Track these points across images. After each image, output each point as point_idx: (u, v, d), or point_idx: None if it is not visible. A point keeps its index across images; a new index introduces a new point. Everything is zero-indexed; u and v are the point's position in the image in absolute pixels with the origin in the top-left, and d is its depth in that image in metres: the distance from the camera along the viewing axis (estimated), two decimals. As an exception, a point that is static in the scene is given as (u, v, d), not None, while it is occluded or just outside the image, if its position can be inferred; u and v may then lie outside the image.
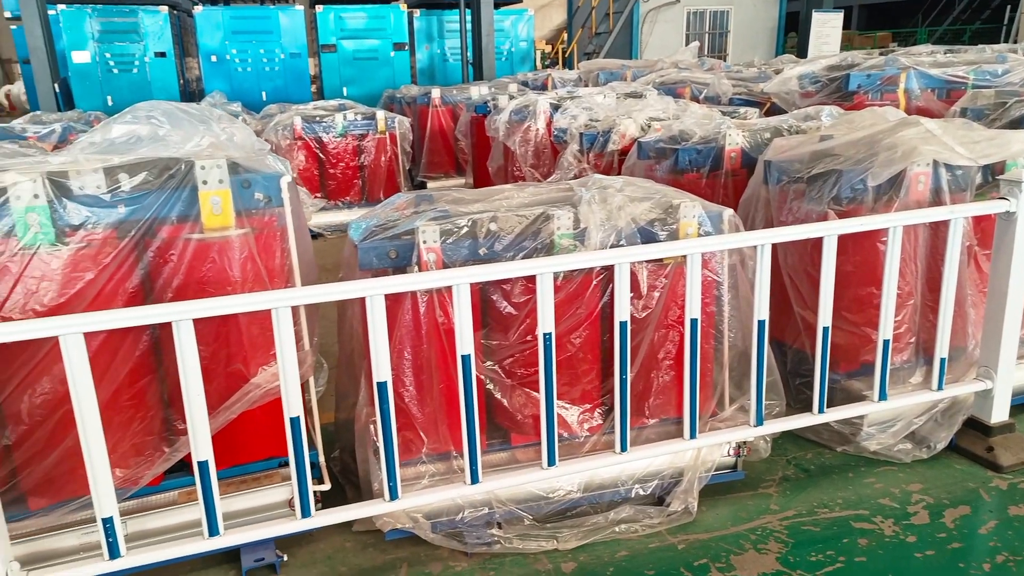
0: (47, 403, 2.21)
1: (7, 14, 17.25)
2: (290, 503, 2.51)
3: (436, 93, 8.06)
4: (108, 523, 2.07)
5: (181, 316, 1.99)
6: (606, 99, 5.19)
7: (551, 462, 2.39)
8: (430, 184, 8.02)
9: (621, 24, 18.17)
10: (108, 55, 11.08)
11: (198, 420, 2.09)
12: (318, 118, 6.88)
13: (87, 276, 2.15)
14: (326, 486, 2.55)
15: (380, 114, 6.86)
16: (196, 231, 2.24)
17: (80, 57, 10.98)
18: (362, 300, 2.33)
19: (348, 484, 2.80)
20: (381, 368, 2.18)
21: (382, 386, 2.19)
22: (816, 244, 2.57)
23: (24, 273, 2.09)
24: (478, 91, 7.94)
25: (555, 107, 5.20)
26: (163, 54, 11.28)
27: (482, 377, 2.43)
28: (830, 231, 2.47)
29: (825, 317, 2.54)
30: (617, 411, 2.42)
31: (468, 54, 12.31)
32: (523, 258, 2.33)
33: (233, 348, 2.36)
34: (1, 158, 2.16)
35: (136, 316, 2.02)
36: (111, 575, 2.20)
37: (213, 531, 2.17)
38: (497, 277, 2.26)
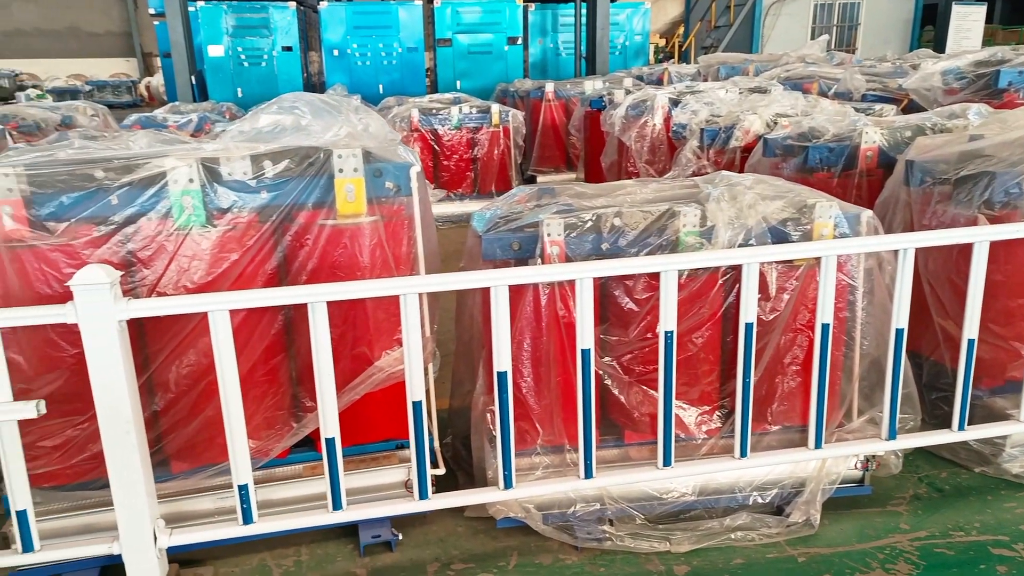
0: (192, 374, 2.36)
1: (151, 11, 18.54)
2: (406, 484, 2.59)
3: (550, 87, 8.07)
4: (243, 490, 2.20)
5: (317, 298, 2.08)
6: (728, 94, 5.05)
7: (667, 462, 2.36)
8: (540, 178, 8.05)
9: (742, 17, 17.62)
10: (240, 49, 11.71)
11: (328, 398, 2.17)
12: (434, 111, 7.03)
13: (232, 257, 2.28)
14: (440, 470, 2.60)
15: (494, 108, 6.93)
16: (330, 217, 2.34)
17: (215, 51, 11.66)
18: (485, 290, 2.36)
19: (459, 470, 2.86)
20: (502, 358, 2.20)
21: (502, 376, 2.22)
22: (963, 251, 2.41)
23: (177, 252, 2.24)
24: (592, 85, 7.89)
25: (674, 102, 5.10)
26: (289, 48, 11.82)
27: (600, 372, 2.42)
28: (982, 237, 2.31)
29: (971, 329, 2.38)
30: (738, 415, 2.35)
31: (581, 48, 12.24)
32: (647, 254, 2.30)
33: (359, 331, 2.44)
34: (160, 144, 2.31)
35: (277, 296, 2.12)
36: (241, 539, 2.34)
37: (337, 505, 2.26)
38: (621, 272, 2.24)
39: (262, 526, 2.25)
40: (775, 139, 3.67)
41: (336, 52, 11.86)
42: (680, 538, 2.39)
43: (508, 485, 2.31)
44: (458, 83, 12.08)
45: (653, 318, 2.31)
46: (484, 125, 6.95)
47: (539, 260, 2.33)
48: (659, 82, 8.63)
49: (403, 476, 2.60)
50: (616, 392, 2.45)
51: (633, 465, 2.46)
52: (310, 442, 2.61)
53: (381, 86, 11.91)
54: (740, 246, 2.29)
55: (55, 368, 2.24)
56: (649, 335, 2.34)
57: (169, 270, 2.24)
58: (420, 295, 2.31)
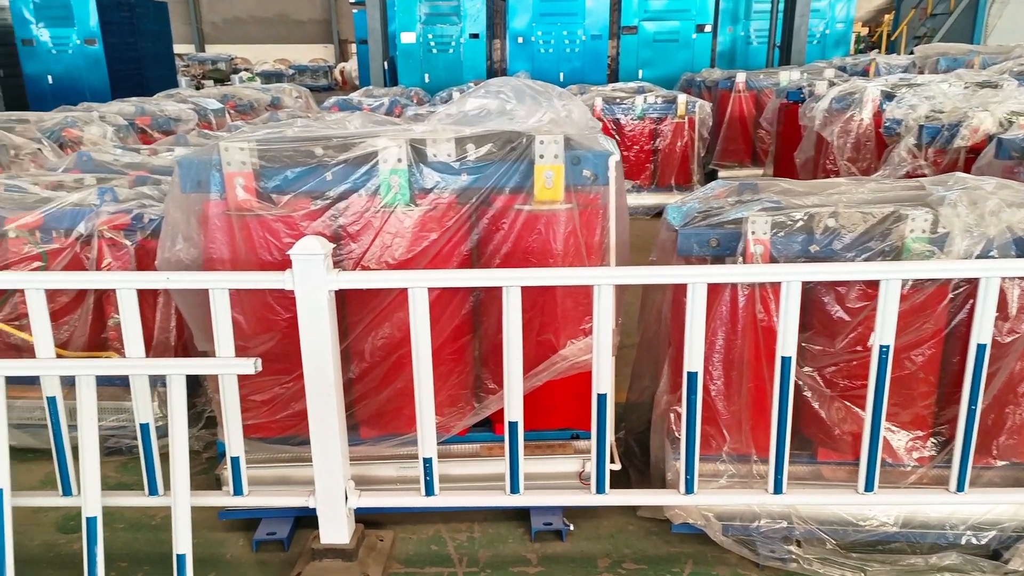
0: (386, 346, 2.47)
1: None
2: (580, 475, 2.57)
3: (741, 77, 7.71)
4: (428, 463, 2.26)
5: (512, 282, 2.09)
6: (952, 88, 4.55)
7: (869, 487, 2.16)
8: (722, 173, 7.73)
9: (964, 5, 15.91)
10: (430, 36, 12.16)
11: (514, 382, 2.19)
12: (617, 100, 6.93)
13: (431, 236, 2.35)
14: (616, 465, 2.55)
15: (681, 98, 6.72)
16: (527, 203, 2.34)
17: (407, 38, 12.18)
18: (678, 286, 2.28)
19: (631, 466, 2.79)
20: (694, 358, 2.11)
21: (692, 377, 2.13)
22: None
23: (382, 229, 2.34)
24: (788, 76, 7.44)
25: (886, 96, 4.68)
26: (476, 36, 12.11)
27: (798, 382, 2.26)
28: None
29: None
30: (959, 444, 2.11)
31: (776, 37, 11.60)
32: (865, 260, 2.11)
33: (547, 318, 2.43)
34: (373, 125, 2.41)
35: (473, 277, 2.16)
36: (420, 509, 2.41)
37: (515, 489, 2.28)
38: (836, 278, 2.07)
39: (442, 500, 2.31)
40: (1012, 139, 3.25)
41: (520, 39, 12.01)
42: (878, 571, 2.19)
43: (689, 490, 2.22)
44: (640, 72, 11.85)
45: (865, 329, 2.12)
46: (668, 116, 6.76)
47: (740, 259, 2.21)
48: (864, 74, 7.98)
49: (577, 466, 2.58)
50: (814, 405, 2.28)
51: (828, 485, 2.28)
52: (488, 423, 2.66)
53: (562, 74, 11.93)
54: (978, 257, 2.04)
55: (269, 330, 2.42)
56: (859, 348, 2.15)
57: (374, 245, 2.34)
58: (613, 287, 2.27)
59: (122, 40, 13.39)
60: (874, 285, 2.05)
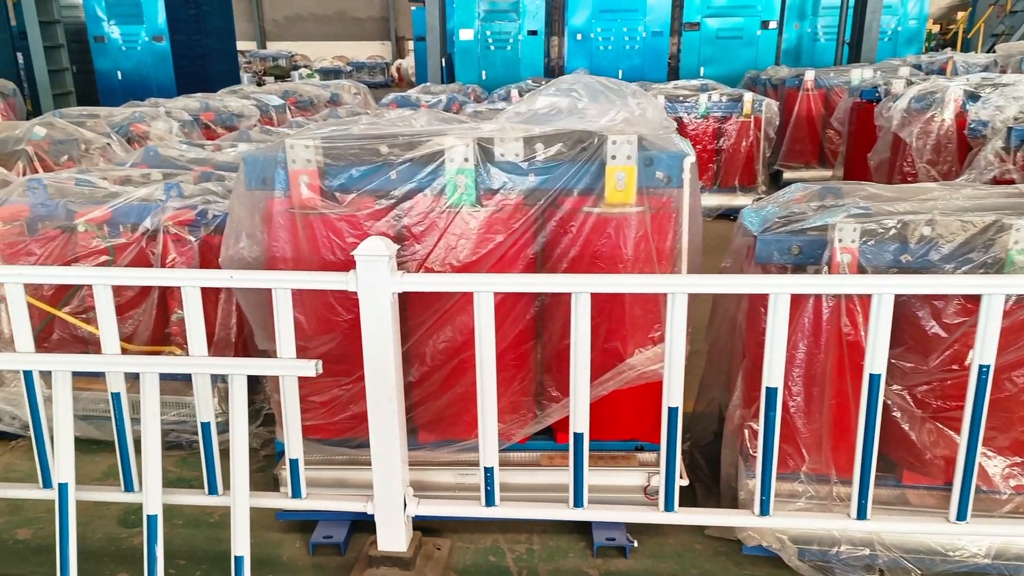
0: (447, 349, 2.41)
1: (409, -4, 19.86)
2: (644, 489, 2.46)
3: (810, 75, 7.44)
4: (489, 473, 2.19)
5: (582, 288, 2.00)
6: (1043, 87, 4.28)
7: (961, 516, 2.01)
8: (787, 174, 7.48)
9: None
10: (488, 33, 12.13)
11: (581, 392, 2.10)
12: (681, 98, 6.76)
13: (497, 238, 2.27)
14: (684, 481, 2.44)
15: (747, 96, 6.52)
16: (597, 205, 2.25)
17: (465, 35, 12.18)
18: (757, 296, 2.16)
19: (696, 480, 2.68)
20: (774, 372, 1.99)
21: (771, 392, 2.00)
22: None
23: (447, 230, 2.27)
24: (860, 74, 7.15)
25: (970, 96, 4.43)
26: (535, 32, 12.04)
27: (886, 401, 2.11)
28: None
29: None
30: (1065, 476, 1.94)
31: (845, 34, 11.21)
32: (965, 272, 1.96)
33: (614, 325, 2.34)
34: (439, 123, 2.35)
35: (542, 283, 2.07)
36: (478, 518, 2.34)
37: (578, 502, 2.19)
38: (932, 291, 1.92)
39: (503, 511, 2.24)
40: (1117, 142, 3.03)
41: (579, 36, 11.90)
42: (968, 607, 2.04)
43: (764, 512, 2.09)
44: (701, 70, 11.61)
45: (963, 347, 1.97)
46: (733, 114, 6.57)
47: (825, 268, 2.07)
48: (940, 72, 7.63)
49: (641, 480, 2.48)
50: (903, 426, 2.13)
51: (915, 512, 2.13)
52: (549, 431, 2.58)
53: (621, 71, 11.76)
54: (1093, 272, 1.87)
55: (330, 330, 2.38)
56: (955, 367, 2.00)
57: (438, 247, 2.28)
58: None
59: (188, 37, 13.70)
60: (974, 300, 1.90)
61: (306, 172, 2.27)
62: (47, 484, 2.33)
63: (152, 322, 3.10)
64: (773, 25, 11.68)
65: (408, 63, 28.78)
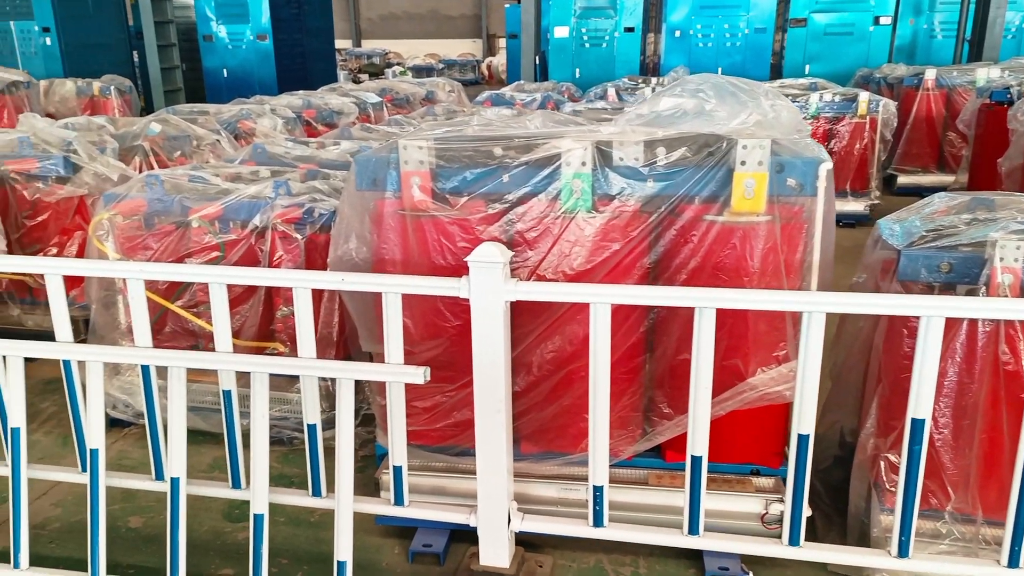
0: (555, 359, 2.32)
1: (502, -7, 19.91)
2: (761, 517, 2.31)
3: (931, 74, 6.98)
4: (599, 492, 2.09)
5: (707, 303, 1.87)
6: None
7: None
8: (902, 179, 7.05)
9: None
10: (583, 30, 11.96)
11: (701, 412, 1.97)
12: (791, 97, 6.44)
13: (613, 247, 2.17)
14: (807, 511, 2.28)
15: (863, 96, 6.15)
16: (722, 213, 2.11)
17: (560, 32, 12.04)
18: (899, 317, 1.97)
19: (816, 509, 2.49)
20: (922, 403, 1.81)
21: (918, 425, 1.82)
22: None
23: (560, 236, 2.18)
24: (987, 74, 6.65)
25: None
26: (632, 29, 11.80)
27: (1049, 441, 1.89)
28: None
29: None
30: None
31: (965, 30, 10.50)
32: None
33: (735, 342, 2.19)
34: (554, 125, 2.26)
35: (664, 295, 1.95)
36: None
37: (694, 530, 2.06)
38: (1117, 321, 1.70)
39: (611, 532, 2.13)
40: None
41: (678, 33, 11.58)
42: None
43: (903, 553, 1.91)
44: (807, 67, 11.11)
45: None
46: (846, 115, 6.21)
47: (982, 289, 1.87)
48: (1078, 71, 7.03)
49: (757, 507, 2.32)
50: (1068, 469, 1.90)
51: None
52: (656, 448, 2.45)
53: (720, 69, 11.37)
54: None
55: (437, 336, 2.33)
56: None
57: (551, 254, 2.19)
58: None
59: (290, 36, 14.11)
60: None
61: (418, 174, 2.22)
62: (159, 476, 2.37)
63: (258, 318, 3.14)
64: (887, 20, 11.05)
65: (499, 61, 28.91)
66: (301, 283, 2.11)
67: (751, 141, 2.02)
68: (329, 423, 3.17)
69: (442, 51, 30.62)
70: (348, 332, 3.11)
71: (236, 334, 3.13)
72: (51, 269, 2.22)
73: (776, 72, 11.62)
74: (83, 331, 4.10)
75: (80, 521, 2.64)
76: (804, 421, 1.90)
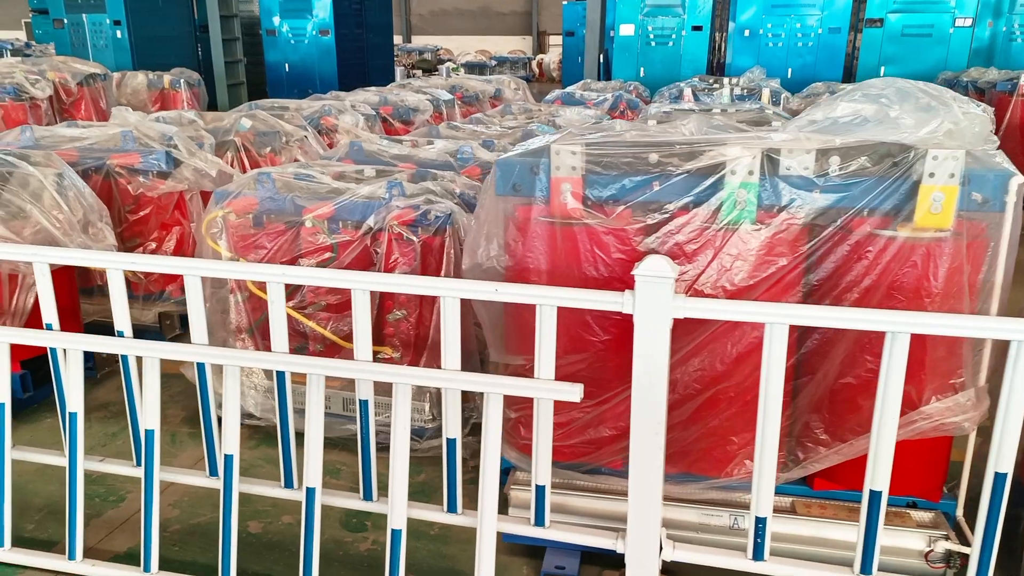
0: (702, 378, 2.20)
1: (555, -10, 19.76)
2: (925, 555, 2.16)
3: (1028, 79, 6.68)
4: (761, 524, 1.97)
5: (902, 327, 1.73)
6: None
7: None
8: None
9: None
10: (649, 28, 11.77)
11: (884, 445, 1.84)
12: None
13: (780, 262, 2.04)
14: (966, 549, 2.12)
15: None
16: (902, 228, 1.97)
17: (626, 30, 11.86)
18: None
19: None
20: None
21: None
22: None
23: (722, 249, 2.06)
24: (1092, 78, 6.34)
25: None
26: (699, 28, 11.57)
27: None
28: None
29: None
30: None
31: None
32: None
33: (910, 368, 2.03)
34: (714, 130, 2.13)
35: (851, 317, 1.81)
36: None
37: (866, 568, 1.92)
38: None
39: (773, 567, 2.00)
40: None
41: (747, 32, 11.32)
42: None
43: (1108, 607, 1.76)
44: (882, 70, 10.76)
45: None
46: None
47: None
48: None
49: (919, 543, 2.18)
50: None
51: None
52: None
53: (790, 70, 11.11)
54: None
55: (580, 350, 2.23)
56: None
57: (711, 268, 2.07)
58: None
59: (350, 31, 14.16)
60: None
61: (570, 180, 2.12)
62: (288, 484, 2.32)
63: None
64: (966, 22, 10.64)
65: (550, 58, 28.77)
66: (451, 292, 2.02)
67: (943, 152, 1.87)
68: (437, 432, 3.11)
69: (491, 47, 30.57)
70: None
71: (348, 337, 3.08)
72: (189, 270, 2.17)
73: (849, 74, 11.28)
74: (178, 326, 4.12)
75: (200, 524, 2.61)
76: (1003, 458, 1.76)
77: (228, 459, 2.22)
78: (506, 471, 2.65)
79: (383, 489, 2.20)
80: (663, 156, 2.03)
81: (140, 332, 4.02)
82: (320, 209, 3.01)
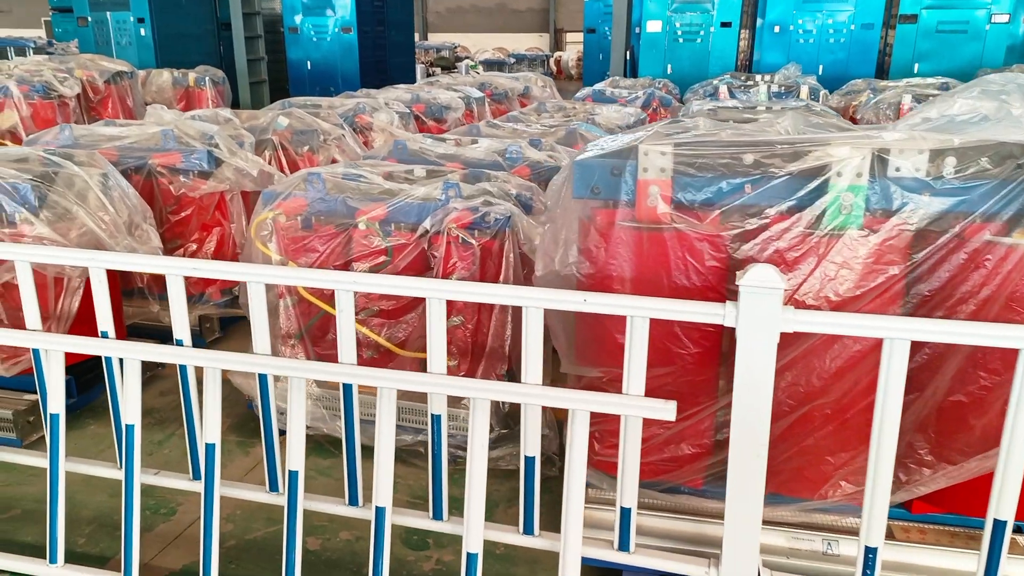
0: (795, 395, 2.07)
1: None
2: (1039, 585, 2.02)
3: (1084, 75, 6.45)
4: (871, 554, 1.83)
5: (1041, 346, 1.59)
6: None
7: None
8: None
9: None
10: (677, 25, 11.60)
11: (1012, 471, 1.69)
12: (929, 97, 6.02)
13: (889, 271, 1.90)
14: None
15: (1016, 97, 5.69)
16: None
17: (653, 27, 11.70)
18: None
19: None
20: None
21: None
22: None
23: (825, 257, 1.92)
24: None
25: None
26: (728, 24, 11.39)
27: None
28: None
29: None
30: None
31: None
32: None
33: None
34: (814, 129, 2.00)
35: (982, 333, 1.67)
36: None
37: (988, 603, 1.78)
38: None
39: (882, 599, 1.87)
40: None
41: (777, 28, 11.12)
42: None
43: None
44: (916, 66, 10.54)
45: None
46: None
47: None
48: None
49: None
50: None
51: None
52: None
53: (821, 67, 10.90)
54: None
55: (664, 363, 2.10)
56: None
57: (813, 277, 1.93)
58: None
59: (372, 29, 14.06)
60: None
61: (658, 182, 1.99)
62: (353, 501, 2.20)
63: (424, 329, 2.95)
64: (1003, 18, 10.40)
65: (568, 55, 28.59)
66: (535, 302, 1.89)
67: (1076, 154, 1.73)
68: (497, 442, 2.98)
69: (508, 45, 30.44)
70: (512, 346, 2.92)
71: (402, 344, 2.96)
72: (253, 276, 2.06)
73: (881, 71, 11.06)
74: (218, 330, 4.02)
75: (256, 539, 2.51)
76: None
77: (293, 476, 2.10)
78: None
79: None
80: (764, 157, 1.89)
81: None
82: (375, 211, 2.89)
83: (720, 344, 2.13)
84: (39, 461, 2.37)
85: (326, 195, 2.99)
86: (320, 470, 2.92)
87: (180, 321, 2.13)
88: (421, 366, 2.99)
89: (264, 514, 2.58)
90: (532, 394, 1.95)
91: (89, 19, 12.24)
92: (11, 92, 6.40)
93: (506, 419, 3.02)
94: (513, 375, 2.98)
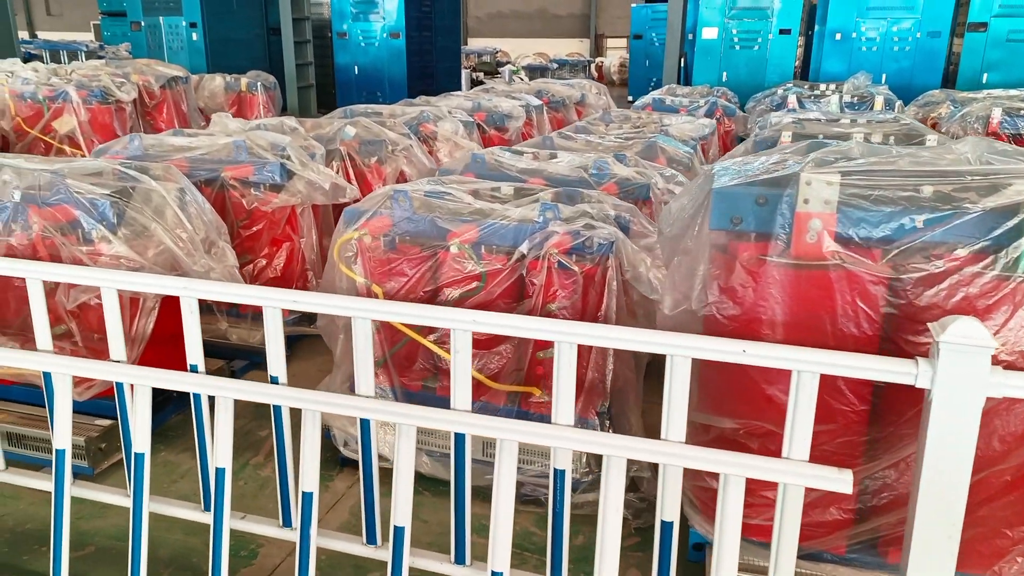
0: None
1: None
2: None
3: None
4: (1082, 654, 1.57)
5: None
6: None
7: None
8: None
9: None
10: (734, 32, 11.30)
11: None
12: (1020, 111, 5.68)
13: (1100, 323, 1.64)
14: None
15: (1123, 112, 5.34)
16: None
17: (709, 33, 11.41)
18: None
19: None
20: None
21: None
22: None
23: (1021, 305, 1.67)
24: None
25: None
26: (787, 31, 11.07)
27: None
28: None
29: None
30: None
31: None
32: None
33: None
34: (1002, 157, 1.74)
35: None
36: None
37: None
38: None
39: None
40: None
41: (839, 36, 10.75)
42: None
43: None
44: (984, 76, 10.11)
45: None
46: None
47: None
48: None
49: None
50: None
51: None
52: None
53: (885, 75, 10.51)
54: None
55: (823, 420, 1.85)
56: None
57: (1008, 328, 1.68)
58: None
59: (420, 34, 13.96)
60: None
61: (821, 216, 1.75)
62: (460, 560, 1.99)
63: (518, 361, 2.75)
64: (1079, 26, 9.93)
65: (609, 61, 28.30)
66: (684, 351, 1.67)
67: None
68: (591, 485, 2.76)
69: (548, 50, 30.25)
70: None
71: (495, 377, 2.76)
72: (360, 312, 1.86)
73: (948, 81, 10.64)
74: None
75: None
76: None
77: (399, 531, 1.90)
78: (696, 546, 2.30)
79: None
80: (955, 190, 1.65)
81: (246, 354, 3.80)
82: (468, 233, 2.69)
83: (871, 400, 1.89)
84: (121, 500, 2.20)
85: (413, 214, 2.80)
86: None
87: (276, 358, 1.95)
88: (513, 400, 2.80)
89: (353, 561, 2.39)
90: (677, 454, 1.72)
91: (142, 24, 12.29)
92: (71, 97, 6.35)
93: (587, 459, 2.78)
94: (612, 411, 2.76)
